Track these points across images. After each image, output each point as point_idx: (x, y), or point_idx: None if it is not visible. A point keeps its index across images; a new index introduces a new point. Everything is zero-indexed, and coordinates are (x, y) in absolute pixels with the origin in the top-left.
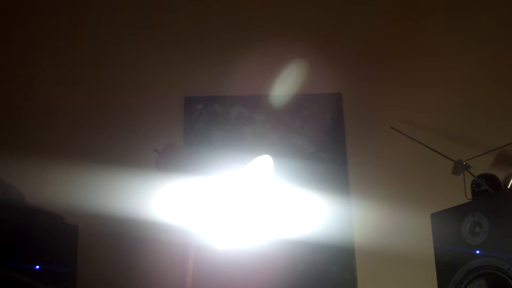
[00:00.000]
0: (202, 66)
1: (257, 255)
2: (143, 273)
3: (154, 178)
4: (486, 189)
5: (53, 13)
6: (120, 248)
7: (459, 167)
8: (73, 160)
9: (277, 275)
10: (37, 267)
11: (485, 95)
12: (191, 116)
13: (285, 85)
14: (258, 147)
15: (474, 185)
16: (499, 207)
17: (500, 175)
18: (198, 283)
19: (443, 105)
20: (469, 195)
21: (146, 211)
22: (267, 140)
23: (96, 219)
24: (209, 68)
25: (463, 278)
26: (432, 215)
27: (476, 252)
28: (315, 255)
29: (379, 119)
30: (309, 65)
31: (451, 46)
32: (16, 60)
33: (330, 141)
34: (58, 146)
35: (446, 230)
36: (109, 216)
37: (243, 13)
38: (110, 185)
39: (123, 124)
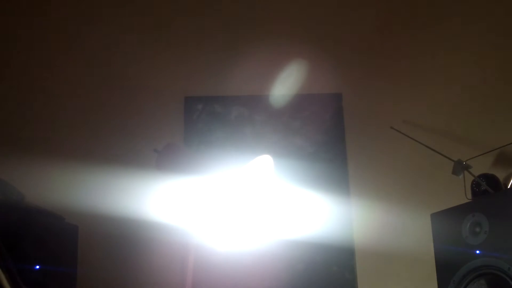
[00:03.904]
0: (202, 66)
1: (257, 255)
2: (143, 273)
3: (154, 178)
4: (486, 189)
5: (54, 14)
6: (120, 248)
7: (459, 167)
8: (73, 160)
9: (277, 275)
10: (37, 267)
11: (486, 95)
12: (191, 116)
13: (285, 85)
14: (258, 147)
15: (474, 185)
16: (499, 207)
17: (500, 175)
18: (198, 284)
19: (443, 105)
20: (469, 195)
21: (146, 211)
22: (267, 140)
23: (96, 219)
24: (209, 68)
25: (463, 278)
26: (432, 215)
27: (476, 252)
28: (315, 255)
29: (379, 119)
30: (309, 65)
31: (451, 46)
32: (16, 60)
33: (330, 141)
34: (58, 146)
35: (446, 230)
36: (109, 216)
37: (243, 13)
38: (110, 185)
39: (123, 124)
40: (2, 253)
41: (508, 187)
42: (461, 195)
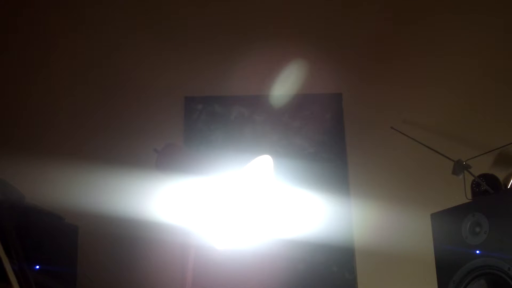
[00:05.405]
0: (202, 66)
1: (257, 255)
2: (143, 273)
3: (154, 178)
4: (486, 189)
5: (54, 14)
6: (120, 248)
7: (459, 167)
8: (73, 160)
9: (277, 275)
10: (37, 267)
11: (485, 95)
12: (191, 116)
13: (285, 85)
14: (258, 147)
15: (474, 185)
16: (499, 207)
17: (500, 175)
18: (198, 283)
19: (443, 105)
20: (469, 195)
21: (146, 211)
22: (267, 140)
23: (96, 219)
24: (209, 68)
25: (463, 278)
26: (432, 215)
27: (476, 252)
28: (315, 255)
29: (379, 119)
30: (309, 65)
31: (451, 46)
32: (17, 60)
33: (330, 141)
34: (58, 146)
35: (446, 230)
36: (109, 216)
37: (243, 13)
38: (110, 185)
39: (123, 124)
40: (16, 252)
41: (508, 187)
42: (461, 195)
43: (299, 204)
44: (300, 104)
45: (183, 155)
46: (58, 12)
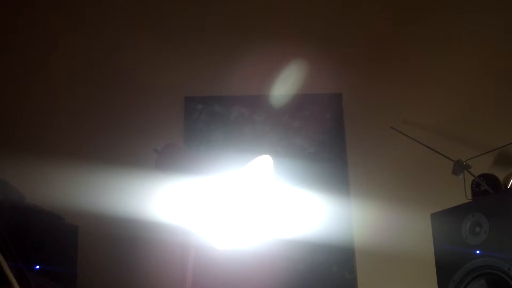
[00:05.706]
0: (202, 66)
1: (257, 255)
2: (143, 273)
3: (154, 178)
4: (486, 189)
5: (54, 14)
6: (120, 248)
7: (459, 167)
8: (73, 160)
9: (277, 275)
10: (37, 267)
11: (485, 95)
12: (191, 116)
13: (285, 85)
14: (258, 147)
15: (474, 185)
16: (499, 207)
17: (500, 175)
18: (198, 283)
19: (443, 105)
20: (469, 195)
21: (146, 211)
22: (267, 140)
23: (96, 219)
24: (209, 68)
25: (463, 278)
26: (432, 215)
27: (476, 252)
28: (315, 255)
29: (379, 119)
30: (309, 65)
31: (451, 46)
32: (17, 60)
33: (330, 141)
34: (58, 146)
35: (446, 230)
36: (109, 216)
37: (243, 13)
38: (110, 185)
39: (123, 124)
40: (11, 253)
41: (508, 187)
42: (461, 195)
43: (299, 204)
44: (300, 104)
45: (183, 155)
46: (58, 12)
